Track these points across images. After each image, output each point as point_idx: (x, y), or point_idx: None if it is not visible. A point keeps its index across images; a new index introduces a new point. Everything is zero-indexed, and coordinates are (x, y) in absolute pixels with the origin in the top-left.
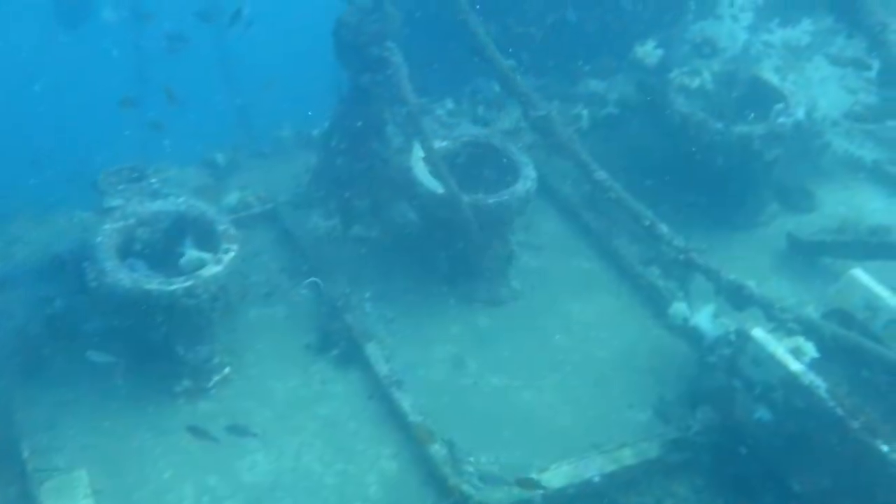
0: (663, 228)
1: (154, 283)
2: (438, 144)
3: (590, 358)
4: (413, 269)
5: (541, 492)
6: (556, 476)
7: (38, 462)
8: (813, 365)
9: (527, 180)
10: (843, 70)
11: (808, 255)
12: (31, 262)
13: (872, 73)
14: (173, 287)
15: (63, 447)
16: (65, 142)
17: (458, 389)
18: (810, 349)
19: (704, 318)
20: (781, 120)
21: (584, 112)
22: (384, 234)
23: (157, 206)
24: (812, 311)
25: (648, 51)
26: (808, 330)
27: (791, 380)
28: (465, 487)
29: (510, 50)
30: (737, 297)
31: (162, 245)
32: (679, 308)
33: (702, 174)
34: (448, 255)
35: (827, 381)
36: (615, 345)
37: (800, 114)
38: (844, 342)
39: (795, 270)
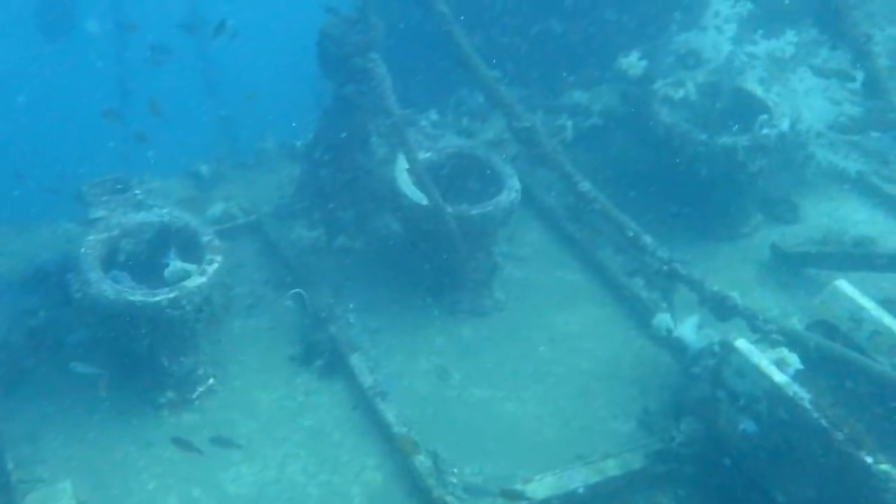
0: (647, 239)
1: (138, 295)
2: (422, 156)
3: (574, 369)
4: (397, 280)
5: (525, 503)
6: (541, 487)
7: (21, 474)
8: (797, 376)
9: (511, 191)
10: (827, 81)
11: (792, 267)
12: (14, 273)
13: (857, 85)
14: (157, 298)
15: (47, 459)
16: (48, 153)
17: (442, 400)
18: (794, 360)
19: (688, 329)
20: (765, 131)
21: (569, 123)
22: (368, 246)
23: (141, 217)
24: (796, 323)
25: (632, 62)
26: (792, 341)
27: (775, 391)
28: (450, 499)
29: (494, 61)
30: (721, 309)
31: (146, 256)
32: (663, 319)
33: (686, 185)
34: (432, 266)
35: (811, 393)
36: (599, 356)
37: (784, 125)
38: (829, 353)
39: (779, 281)
